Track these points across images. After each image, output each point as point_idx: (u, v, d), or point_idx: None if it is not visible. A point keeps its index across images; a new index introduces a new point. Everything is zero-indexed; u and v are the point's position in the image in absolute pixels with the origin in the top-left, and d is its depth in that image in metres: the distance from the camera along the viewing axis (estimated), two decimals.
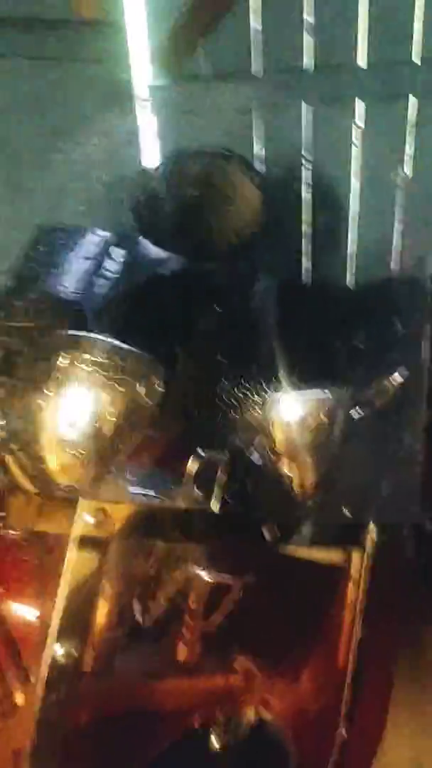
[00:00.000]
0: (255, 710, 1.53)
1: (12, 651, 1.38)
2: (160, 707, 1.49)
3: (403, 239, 2.40)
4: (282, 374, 1.41)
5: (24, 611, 1.40)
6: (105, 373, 1.27)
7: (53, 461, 1.30)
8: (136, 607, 1.42)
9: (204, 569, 1.39)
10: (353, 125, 2.34)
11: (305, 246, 2.37)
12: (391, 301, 1.67)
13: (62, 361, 1.28)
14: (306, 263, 2.37)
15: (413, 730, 1.76)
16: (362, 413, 1.42)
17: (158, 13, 2.19)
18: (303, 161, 2.34)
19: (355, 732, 1.45)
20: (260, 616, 1.49)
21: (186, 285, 1.70)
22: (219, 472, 1.35)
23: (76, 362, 1.27)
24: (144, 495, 1.36)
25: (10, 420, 1.31)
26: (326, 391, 1.39)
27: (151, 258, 1.79)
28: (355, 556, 1.43)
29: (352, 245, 2.44)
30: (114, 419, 1.29)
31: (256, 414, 1.40)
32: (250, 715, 1.53)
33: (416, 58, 2.30)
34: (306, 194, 2.36)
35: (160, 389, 1.32)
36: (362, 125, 2.34)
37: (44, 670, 1.27)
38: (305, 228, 2.37)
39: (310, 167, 2.34)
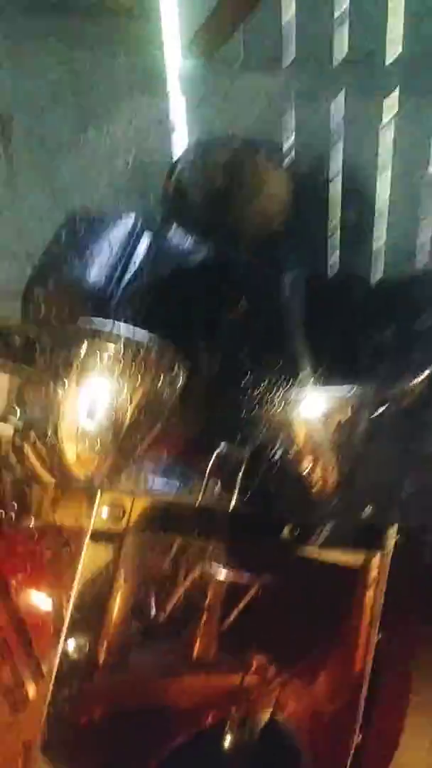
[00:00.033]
0: (269, 711, 1.50)
1: (24, 641, 1.37)
2: (174, 704, 1.47)
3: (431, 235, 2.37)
4: (306, 370, 1.39)
5: (38, 603, 1.39)
6: (125, 364, 1.25)
7: (71, 452, 1.28)
8: (152, 602, 1.41)
9: (222, 567, 1.37)
10: (383, 118, 2.31)
11: (332, 240, 2.34)
12: (417, 297, 1.65)
13: (82, 350, 1.25)
14: (332, 257, 2.34)
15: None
16: (387, 411, 1.39)
17: (191, 1, 2.17)
18: (331, 153, 2.31)
19: (371, 736, 1.43)
20: (277, 617, 1.47)
21: (212, 276, 1.68)
22: (239, 468, 1.33)
23: (96, 352, 1.25)
24: (162, 489, 1.34)
25: (29, 409, 1.29)
26: (351, 388, 1.36)
27: (179, 247, 1.77)
28: (375, 559, 1.40)
29: (379, 240, 2.41)
30: (133, 411, 1.26)
31: (279, 410, 1.37)
32: (264, 715, 1.51)
33: None
34: (334, 187, 2.33)
35: (181, 382, 1.29)
36: (393, 118, 2.30)
37: (56, 665, 1.26)
38: (332, 222, 2.34)
39: (339, 160, 2.32)
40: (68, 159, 2.21)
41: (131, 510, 1.25)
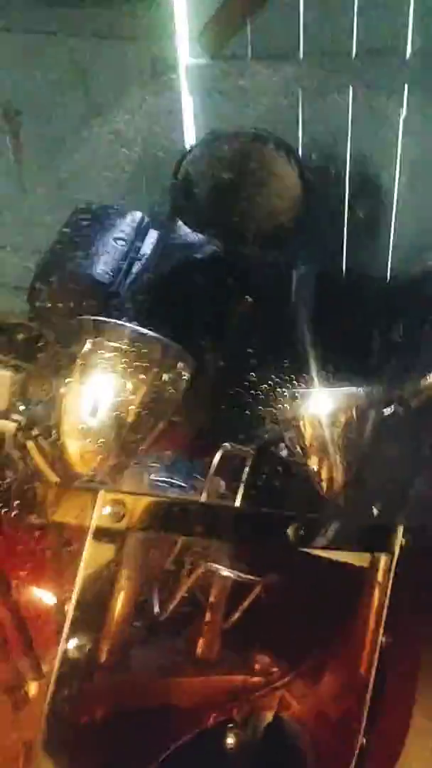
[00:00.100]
0: (273, 711, 1.49)
1: (25, 640, 1.36)
2: (177, 704, 1.46)
3: None
4: (314, 368, 1.37)
5: (39, 601, 1.38)
6: (128, 361, 1.24)
7: (73, 449, 1.27)
8: (155, 601, 1.40)
9: (225, 567, 1.36)
10: (399, 113, 2.28)
11: (343, 235, 2.32)
12: (430, 294, 1.63)
13: (85, 347, 1.24)
14: (344, 253, 2.32)
15: None
16: (396, 411, 1.38)
17: None
18: (345, 148, 2.29)
19: (376, 738, 1.41)
20: (282, 616, 1.46)
21: (219, 271, 1.66)
22: (244, 467, 1.32)
23: (99, 349, 1.24)
24: (166, 487, 1.33)
25: (32, 406, 1.28)
26: (359, 387, 1.35)
27: (185, 242, 1.76)
28: (382, 560, 1.38)
29: (391, 236, 2.38)
30: (136, 408, 1.25)
31: (285, 408, 1.36)
32: (267, 715, 1.50)
33: None
34: (347, 182, 2.31)
35: (186, 379, 1.28)
36: (407, 113, 2.28)
37: (56, 665, 1.24)
38: (344, 217, 2.32)
39: (352, 154, 2.29)
40: (75, 152, 2.20)
41: (133, 508, 1.23)
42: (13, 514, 1.24)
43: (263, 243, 1.76)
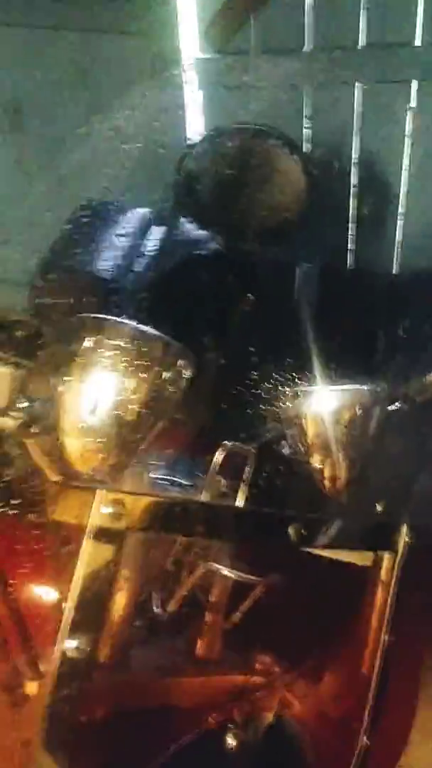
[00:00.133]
0: (273, 711, 1.48)
1: (24, 639, 1.35)
2: (177, 704, 1.45)
3: None
4: (317, 365, 1.36)
5: (38, 600, 1.37)
6: (129, 359, 1.23)
7: (73, 447, 1.26)
8: (155, 600, 1.39)
9: (226, 567, 1.35)
10: (405, 107, 2.27)
11: (349, 231, 2.30)
12: None
13: (85, 344, 1.23)
14: (349, 250, 2.31)
15: None
16: (400, 408, 1.37)
17: None
18: (351, 142, 2.27)
19: (378, 739, 1.40)
20: (283, 616, 1.45)
21: (222, 268, 1.65)
22: (246, 465, 1.30)
23: (99, 347, 1.23)
24: (166, 486, 1.32)
25: (32, 403, 1.27)
26: (363, 385, 1.34)
27: (189, 237, 1.75)
28: (386, 559, 1.37)
29: (397, 232, 2.37)
30: (136, 407, 1.24)
31: (288, 406, 1.35)
32: (268, 716, 1.49)
33: None
34: (352, 177, 2.29)
35: (186, 377, 1.27)
36: (415, 107, 2.27)
37: (55, 665, 1.24)
38: (350, 213, 2.30)
39: (358, 149, 2.28)
40: (77, 149, 2.19)
41: (133, 508, 1.23)
42: (12, 512, 1.23)
43: (266, 239, 1.74)
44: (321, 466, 1.34)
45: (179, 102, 2.21)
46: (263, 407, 1.36)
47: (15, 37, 2.42)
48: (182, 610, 1.40)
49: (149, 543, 1.33)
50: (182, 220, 1.75)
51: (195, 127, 2.22)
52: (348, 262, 2.27)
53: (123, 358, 1.23)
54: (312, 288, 1.60)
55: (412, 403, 1.37)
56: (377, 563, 1.38)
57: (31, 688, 1.33)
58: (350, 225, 2.31)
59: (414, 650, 1.48)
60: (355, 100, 2.28)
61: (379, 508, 1.36)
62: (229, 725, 1.46)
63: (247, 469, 1.32)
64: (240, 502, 1.29)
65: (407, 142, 2.29)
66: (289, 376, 1.36)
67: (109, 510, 1.22)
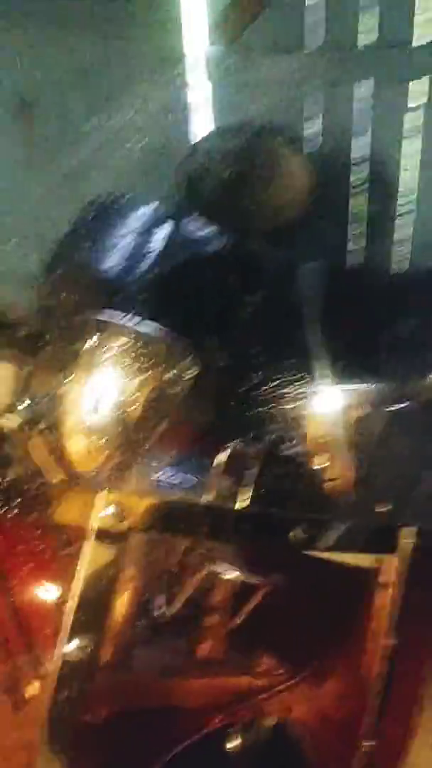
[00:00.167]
0: (277, 714, 1.48)
1: (26, 639, 1.35)
2: (180, 705, 1.44)
3: None
4: (322, 365, 1.35)
5: (40, 601, 1.37)
6: (132, 359, 1.22)
7: (76, 447, 1.25)
8: (158, 600, 1.38)
9: (230, 568, 1.34)
10: (410, 104, 2.25)
11: (353, 230, 2.29)
12: None
13: (89, 344, 1.22)
14: (353, 248, 2.29)
15: None
16: (405, 408, 1.36)
17: None
18: (356, 141, 2.26)
19: (380, 742, 1.40)
20: (286, 619, 1.44)
21: (227, 266, 1.64)
22: (251, 466, 1.30)
23: (102, 346, 1.22)
24: (170, 486, 1.31)
25: (35, 402, 1.26)
26: (368, 384, 1.33)
27: (195, 236, 1.73)
28: (389, 562, 1.36)
29: (402, 230, 2.35)
30: (140, 406, 1.23)
31: (294, 406, 1.34)
32: (271, 718, 1.48)
33: None
34: (357, 175, 2.28)
35: (190, 377, 1.26)
36: (419, 106, 2.25)
37: (56, 666, 1.23)
38: (354, 211, 2.29)
39: (363, 147, 2.26)
40: (84, 145, 2.18)
41: (135, 509, 1.22)
42: (14, 512, 1.22)
43: (271, 237, 1.73)
44: (326, 468, 1.33)
45: (184, 100, 2.20)
46: (267, 407, 1.35)
47: (24, 33, 2.42)
48: (185, 612, 1.40)
49: (152, 544, 1.32)
50: (187, 218, 1.74)
51: (200, 125, 2.21)
52: (352, 260, 2.26)
53: (126, 358, 1.22)
54: (316, 287, 1.59)
55: (417, 402, 1.36)
56: (381, 566, 1.37)
57: (33, 689, 1.33)
58: (353, 224, 2.30)
59: (417, 653, 1.47)
60: (357, 98, 2.26)
61: (383, 509, 1.35)
62: (232, 727, 1.46)
63: (252, 469, 1.31)
64: (243, 503, 1.28)
65: (414, 140, 2.28)
66: (294, 376, 1.35)
67: (112, 511, 1.21)
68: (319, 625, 1.45)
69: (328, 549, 1.32)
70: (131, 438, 1.24)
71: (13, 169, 2.56)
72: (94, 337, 1.23)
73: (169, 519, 1.24)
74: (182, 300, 1.50)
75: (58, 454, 1.25)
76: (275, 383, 1.36)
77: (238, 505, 1.28)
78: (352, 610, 1.41)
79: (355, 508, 1.36)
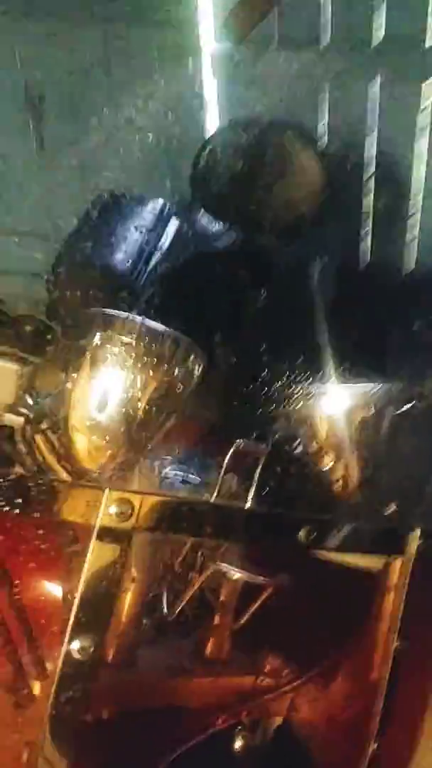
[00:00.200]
0: (282, 715, 1.47)
1: (29, 639, 1.34)
2: (185, 704, 1.44)
3: None
4: (331, 363, 1.34)
5: (43, 600, 1.36)
6: (138, 356, 1.21)
7: (81, 444, 1.24)
8: (163, 601, 1.37)
9: (236, 568, 1.33)
10: (422, 103, 2.24)
11: (365, 227, 2.27)
12: None
13: (95, 340, 1.21)
14: (365, 245, 2.28)
15: None
16: (414, 409, 1.35)
17: None
18: (367, 138, 2.24)
19: (386, 744, 1.38)
20: (292, 619, 1.43)
21: (237, 262, 1.63)
22: (257, 465, 1.28)
23: (108, 342, 1.21)
24: (176, 484, 1.30)
25: (40, 399, 1.25)
26: (376, 384, 1.32)
27: (205, 232, 1.72)
28: (396, 563, 1.35)
29: (413, 229, 2.34)
30: (146, 404, 1.22)
31: (300, 405, 1.33)
32: (277, 719, 1.47)
33: None
34: (368, 172, 2.26)
35: (197, 375, 1.25)
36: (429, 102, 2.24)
37: (59, 665, 1.22)
38: (366, 208, 2.27)
39: (375, 144, 2.25)
40: (96, 139, 2.17)
41: (140, 507, 1.20)
42: (18, 511, 1.21)
43: (282, 233, 1.72)
44: (333, 467, 1.32)
45: (197, 94, 2.20)
46: (275, 406, 1.34)
47: (37, 26, 2.41)
48: (191, 611, 1.39)
49: (157, 543, 1.31)
50: (198, 213, 1.73)
51: (213, 119, 2.20)
52: (363, 258, 2.25)
53: (132, 355, 1.21)
54: (326, 284, 1.58)
55: (427, 402, 1.35)
56: (388, 567, 1.36)
57: (36, 688, 1.32)
58: (365, 220, 2.28)
59: (425, 655, 1.46)
60: (371, 94, 2.25)
61: (390, 510, 1.34)
62: (238, 727, 1.45)
63: (258, 468, 1.29)
64: (250, 502, 1.27)
65: (423, 139, 2.26)
66: (302, 374, 1.33)
67: (116, 509, 1.19)
68: (325, 625, 1.44)
69: (335, 549, 1.30)
70: (137, 435, 1.23)
71: (26, 161, 2.56)
72: (100, 334, 1.21)
73: (174, 518, 1.22)
74: (191, 295, 1.49)
75: (63, 451, 1.24)
76: (283, 381, 1.34)
77: (244, 505, 1.27)
78: (359, 611, 1.40)
79: (362, 509, 1.35)
